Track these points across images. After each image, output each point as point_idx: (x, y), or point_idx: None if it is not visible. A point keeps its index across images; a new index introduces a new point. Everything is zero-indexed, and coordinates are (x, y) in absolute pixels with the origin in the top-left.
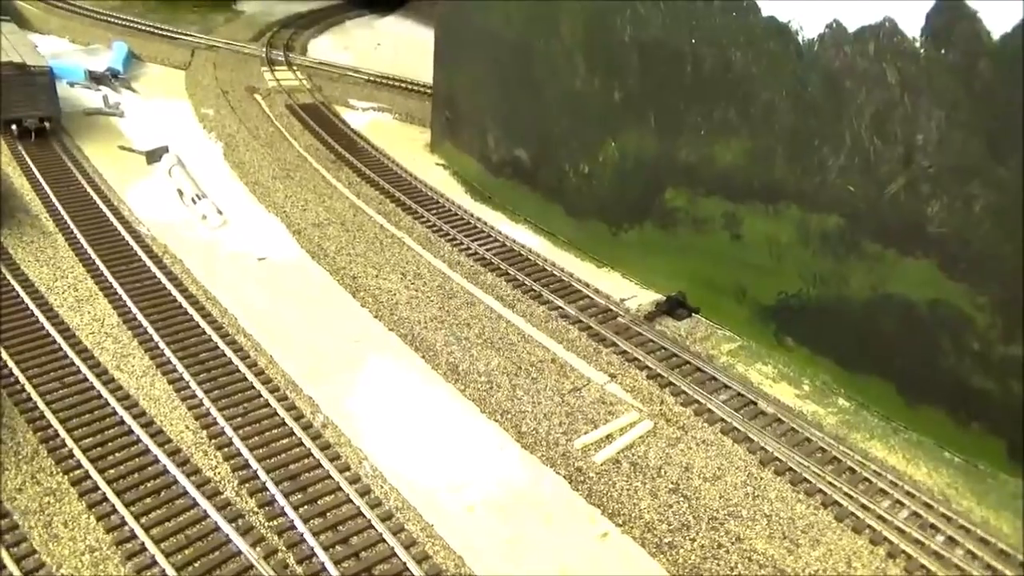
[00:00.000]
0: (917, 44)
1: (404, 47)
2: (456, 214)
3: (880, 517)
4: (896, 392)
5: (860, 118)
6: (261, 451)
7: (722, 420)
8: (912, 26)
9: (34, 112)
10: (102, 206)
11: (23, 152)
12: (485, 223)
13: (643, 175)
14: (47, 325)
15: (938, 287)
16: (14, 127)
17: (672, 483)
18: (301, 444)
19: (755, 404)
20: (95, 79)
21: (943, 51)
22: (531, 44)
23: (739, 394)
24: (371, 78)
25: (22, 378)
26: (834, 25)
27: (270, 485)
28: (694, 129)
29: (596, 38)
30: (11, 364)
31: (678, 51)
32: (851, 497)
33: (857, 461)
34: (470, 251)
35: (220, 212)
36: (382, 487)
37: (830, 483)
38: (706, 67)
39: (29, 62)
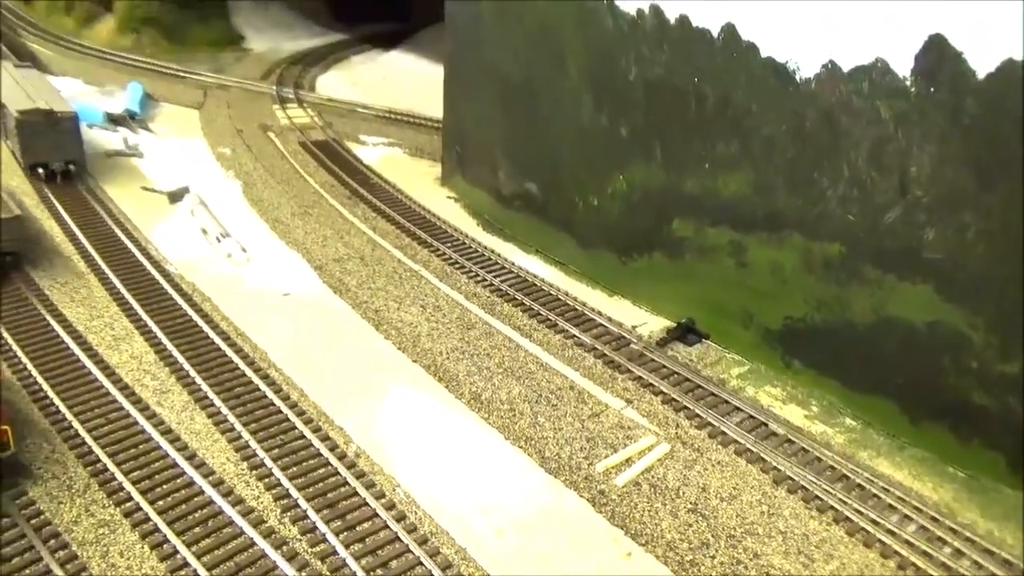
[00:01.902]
0: (908, 83)
1: (410, 81)
2: (470, 247)
3: (890, 531)
4: (900, 411)
5: (857, 151)
6: (300, 480)
7: (736, 441)
8: (902, 66)
9: (60, 156)
10: (130, 246)
11: (50, 195)
12: (498, 255)
13: (651, 206)
14: (88, 364)
15: (936, 309)
16: (40, 171)
17: (691, 503)
18: (337, 473)
19: (766, 425)
20: (113, 120)
21: (932, 89)
22: (539, 82)
23: (750, 416)
24: (380, 113)
25: (69, 415)
26: (830, 65)
27: (311, 513)
28: (699, 162)
29: (602, 77)
30: (57, 402)
31: (682, 89)
32: (861, 513)
33: (866, 478)
34: (485, 282)
35: (244, 250)
36: (416, 512)
37: (841, 500)
38: (709, 104)
39: (55, 108)
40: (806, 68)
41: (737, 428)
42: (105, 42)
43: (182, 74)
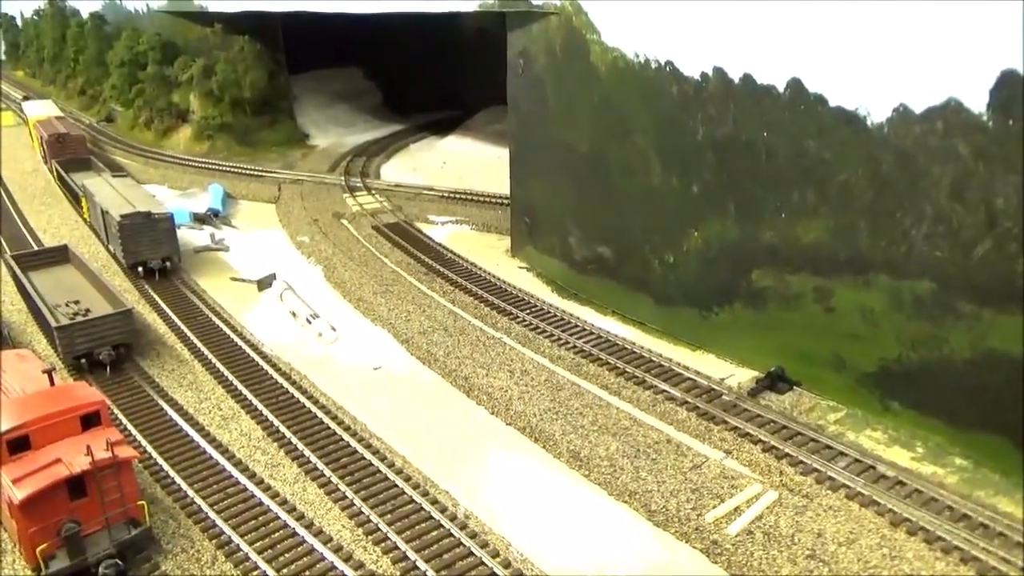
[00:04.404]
0: (984, 118)
1: (468, 163)
2: (548, 312)
3: None
4: (1012, 447)
5: (938, 189)
6: (416, 543)
7: (845, 486)
8: (976, 103)
9: (158, 254)
10: (228, 332)
11: (150, 291)
12: (576, 318)
13: (728, 260)
14: (202, 443)
15: None
16: (140, 269)
17: (808, 549)
18: (451, 535)
19: (874, 468)
20: (199, 219)
21: (1010, 122)
22: (606, 150)
23: (856, 460)
24: (444, 194)
25: (191, 492)
26: (901, 109)
27: (431, 574)
28: (774, 213)
29: (670, 139)
30: (179, 480)
31: (751, 144)
32: (989, 551)
33: (988, 516)
34: (568, 345)
35: (333, 329)
36: (531, 570)
37: (966, 539)
38: (780, 156)
39: (152, 210)
40: (877, 113)
41: (844, 472)
42: (183, 150)
43: (256, 173)
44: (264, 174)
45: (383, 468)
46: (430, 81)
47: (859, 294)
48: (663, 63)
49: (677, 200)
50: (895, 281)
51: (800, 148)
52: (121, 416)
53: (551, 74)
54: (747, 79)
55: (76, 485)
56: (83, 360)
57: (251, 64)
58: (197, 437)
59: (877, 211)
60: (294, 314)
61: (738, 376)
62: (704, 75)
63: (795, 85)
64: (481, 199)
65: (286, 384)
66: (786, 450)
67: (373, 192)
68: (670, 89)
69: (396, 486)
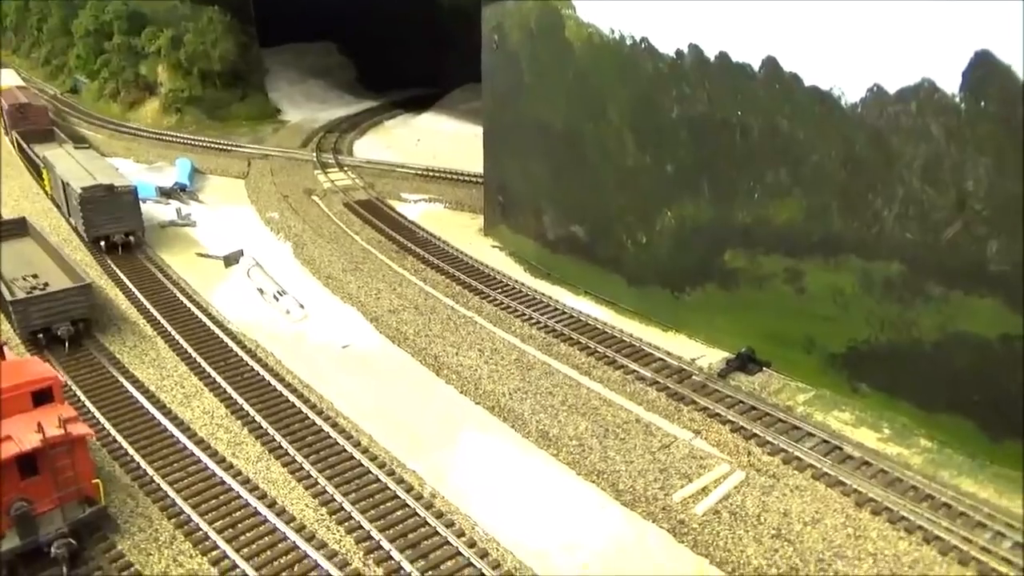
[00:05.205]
0: (957, 99)
1: (443, 140)
2: (520, 291)
3: (984, 549)
4: (978, 429)
5: (910, 170)
6: (380, 523)
7: (812, 466)
8: (950, 84)
9: (121, 228)
10: (193, 309)
11: (112, 266)
12: (549, 298)
13: (701, 240)
14: (164, 421)
15: (1007, 322)
16: (102, 243)
17: (773, 529)
18: (416, 514)
19: (841, 449)
20: (165, 194)
21: (982, 104)
22: (581, 128)
23: (824, 441)
24: (418, 172)
25: (150, 470)
26: (875, 89)
27: (395, 554)
28: (748, 193)
29: (644, 117)
30: (138, 458)
31: (725, 123)
32: (952, 531)
33: (951, 497)
34: (540, 324)
35: (301, 306)
36: (497, 549)
37: (929, 519)
38: (754, 135)
39: (115, 183)
40: (851, 93)
41: (812, 453)
42: (150, 123)
43: (226, 147)
44: (234, 149)
45: (349, 447)
46: (406, 57)
47: (830, 275)
48: (638, 39)
49: (651, 179)
50: (866, 262)
51: (774, 127)
52: (79, 392)
53: (526, 50)
54: (722, 57)
55: (27, 463)
56: (40, 335)
57: (221, 36)
58: (158, 415)
59: (849, 192)
60: (261, 291)
61: (709, 357)
62: (679, 52)
63: (770, 63)
64: (455, 177)
65: (251, 362)
66: (754, 430)
67: (345, 169)
68: (645, 66)
69: (361, 465)
